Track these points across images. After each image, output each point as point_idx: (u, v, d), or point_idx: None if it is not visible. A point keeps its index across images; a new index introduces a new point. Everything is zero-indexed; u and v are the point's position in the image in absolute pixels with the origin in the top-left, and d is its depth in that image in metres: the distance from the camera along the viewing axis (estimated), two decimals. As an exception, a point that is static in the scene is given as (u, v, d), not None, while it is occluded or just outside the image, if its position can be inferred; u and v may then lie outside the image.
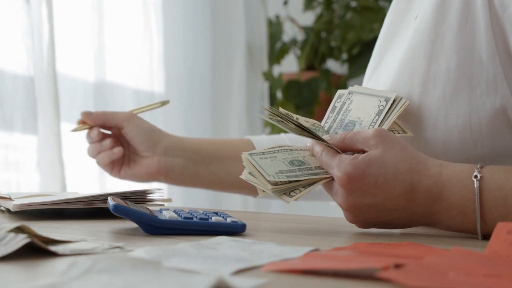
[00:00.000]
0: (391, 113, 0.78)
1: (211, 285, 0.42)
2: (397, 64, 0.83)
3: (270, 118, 0.75)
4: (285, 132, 1.05)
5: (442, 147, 0.77)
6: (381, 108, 0.78)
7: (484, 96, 0.75)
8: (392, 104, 0.78)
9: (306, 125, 0.77)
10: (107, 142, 1.00)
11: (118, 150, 1.00)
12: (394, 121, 0.78)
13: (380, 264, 0.48)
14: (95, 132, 1.01)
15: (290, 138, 1.08)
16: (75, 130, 1.01)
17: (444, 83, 0.77)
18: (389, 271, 0.46)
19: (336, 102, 0.83)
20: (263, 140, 1.07)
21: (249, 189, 1.05)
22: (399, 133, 0.77)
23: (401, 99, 0.78)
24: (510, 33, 0.75)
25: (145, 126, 1.00)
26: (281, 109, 0.76)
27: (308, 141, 0.77)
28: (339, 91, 0.85)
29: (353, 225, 0.75)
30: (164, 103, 1.07)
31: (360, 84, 0.96)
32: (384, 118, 0.77)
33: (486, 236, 0.68)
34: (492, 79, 0.75)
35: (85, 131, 1.03)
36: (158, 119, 1.74)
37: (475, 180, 0.68)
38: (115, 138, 1.02)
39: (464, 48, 0.77)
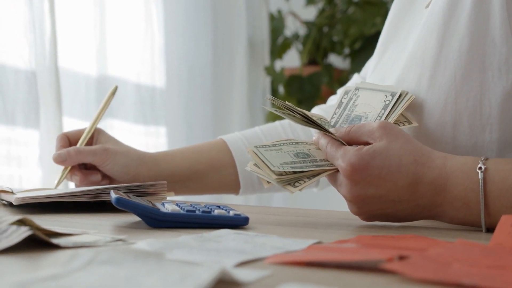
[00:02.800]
0: (397, 107, 0.78)
1: (214, 276, 0.42)
2: (410, 49, 0.82)
3: (276, 110, 0.75)
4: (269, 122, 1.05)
5: (451, 130, 0.77)
6: (387, 102, 0.78)
7: (495, 78, 0.75)
8: (398, 99, 0.78)
9: (313, 118, 0.77)
10: (97, 177, 1.00)
11: (105, 183, 1.00)
12: (400, 114, 0.78)
13: (384, 255, 0.48)
14: (77, 178, 0.99)
15: (263, 131, 1.08)
16: (59, 183, 0.99)
17: (455, 65, 0.77)
18: (393, 262, 0.46)
19: (342, 98, 0.83)
20: (237, 138, 1.07)
21: (229, 189, 1.07)
22: (404, 124, 0.77)
23: (407, 93, 0.78)
24: None
25: (120, 162, 0.98)
26: (287, 102, 0.77)
27: (314, 134, 0.78)
28: (346, 87, 0.85)
29: (356, 218, 0.75)
30: (114, 91, 1.05)
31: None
32: (390, 112, 0.78)
33: (490, 229, 0.67)
34: (504, 61, 0.74)
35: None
36: (159, 114, 1.74)
37: (479, 171, 0.68)
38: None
39: (477, 29, 0.76)
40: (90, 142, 1.02)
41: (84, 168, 1.00)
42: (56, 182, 0.98)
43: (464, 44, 0.76)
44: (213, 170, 1.05)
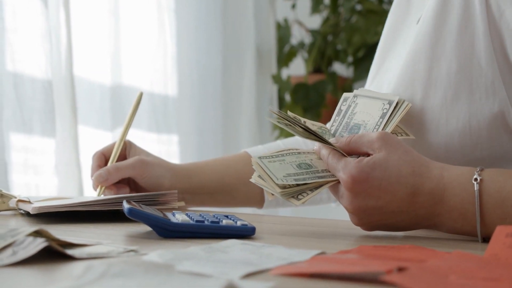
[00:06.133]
0: (394, 116, 0.79)
1: None
2: (399, 68, 0.84)
3: (278, 122, 0.77)
4: (292, 135, 1.06)
5: (444, 151, 0.79)
6: (385, 111, 0.80)
7: (483, 100, 0.77)
8: (395, 107, 0.79)
9: (313, 128, 0.79)
10: (126, 190, 1.02)
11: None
12: (397, 124, 0.79)
13: (383, 267, 0.49)
14: (111, 192, 1.00)
15: (286, 145, 1.09)
16: (99, 195, 1.00)
17: (444, 88, 0.79)
18: (393, 274, 0.48)
19: (341, 105, 0.85)
20: (260, 152, 1.07)
21: (255, 202, 1.08)
22: (402, 136, 0.79)
23: (403, 101, 0.80)
24: (507, 37, 0.76)
25: (156, 174, 1.00)
26: (289, 113, 0.78)
27: (315, 145, 0.79)
28: (345, 94, 0.86)
29: (358, 228, 0.76)
30: (139, 97, 1.07)
31: (364, 86, 0.98)
32: (387, 121, 0.79)
33: (486, 239, 0.69)
34: (490, 83, 0.76)
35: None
36: (171, 122, 1.77)
37: (475, 183, 0.69)
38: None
39: (463, 53, 0.78)
40: (122, 154, 1.03)
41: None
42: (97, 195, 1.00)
43: (452, 67, 0.78)
44: (241, 183, 1.06)
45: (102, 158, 1.03)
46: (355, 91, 0.85)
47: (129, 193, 1.01)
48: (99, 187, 1.00)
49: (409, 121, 0.80)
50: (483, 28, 0.77)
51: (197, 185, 1.03)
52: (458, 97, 0.78)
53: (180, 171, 1.04)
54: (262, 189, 1.04)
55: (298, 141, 1.10)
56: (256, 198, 1.07)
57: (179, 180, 1.02)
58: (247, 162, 1.06)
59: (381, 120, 0.79)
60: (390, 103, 0.80)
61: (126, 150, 1.04)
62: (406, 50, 0.84)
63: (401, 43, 0.92)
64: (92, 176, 1.01)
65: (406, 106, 0.79)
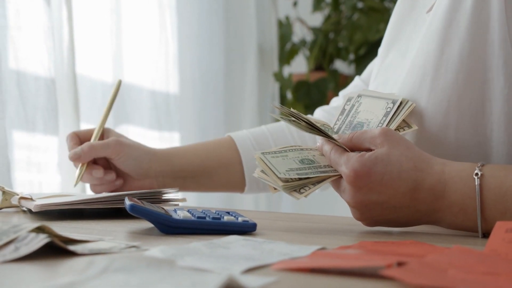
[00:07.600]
0: (397, 114, 0.80)
1: (222, 283, 0.43)
2: (413, 53, 0.84)
3: (281, 117, 0.78)
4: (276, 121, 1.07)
5: (454, 132, 0.78)
6: (388, 110, 0.80)
7: (495, 80, 0.76)
8: (399, 106, 0.80)
9: (317, 125, 0.80)
10: (112, 176, 1.03)
11: (119, 183, 1.03)
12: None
13: (384, 262, 0.49)
14: (98, 171, 1.02)
15: (270, 131, 1.11)
16: (78, 180, 1.02)
17: (456, 68, 0.78)
18: (392, 269, 0.48)
19: (345, 105, 0.86)
20: (244, 137, 1.10)
21: (236, 187, 1.09)
22: (404, 130, 0.79)
23: (407, 101, 0.80)
24: None
25: (133, 155, 1.02)
26: (292, 109, 0.79)
27: (318, 140, 0.80)
28: (349, 95, 0.87)
29: (359, 224, 0.76)
30: (118, 85, 1.08)
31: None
32: (391, 119, 0.80)
33: (486, 234, 0.69)
34: (503, 63, 0.76)
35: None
36: (173, 119, 1.77)
37: (476, 178, 0.69)
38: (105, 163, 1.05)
39: (477, 32, 0.78)
40: (101, 140, 1.04)
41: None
42: (75, 180, 1.01)
43: (465, 47, 0.78)
44: (222, 167, 1.07)
45: (77, 138, 1.04)
46: (359, 91, 0.85)
47: (115, 179, 1.02)
48: (79, 167, 1.01)
49: (418, 102, 0.80)
50: (498, 7, 0.76)
51: (178, 168, 1.04)
52: (471, 77, 0.78)
53: (161, 154, 1.04)
54: (242, 174, 1.07)
55: (283, 129, 1.11)
56: (237, 182, 1.09)
57: (160, 163, 1.03)
58: (229, 146, 1.08)
59: (384, 118, 0.80)
60: (394, 102, 0.80)
61: (104, 136, 1.05)
62: (419, 37, 0.85)
63: (405, 38, 0.93)
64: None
65: (410, 105, 0.79)
